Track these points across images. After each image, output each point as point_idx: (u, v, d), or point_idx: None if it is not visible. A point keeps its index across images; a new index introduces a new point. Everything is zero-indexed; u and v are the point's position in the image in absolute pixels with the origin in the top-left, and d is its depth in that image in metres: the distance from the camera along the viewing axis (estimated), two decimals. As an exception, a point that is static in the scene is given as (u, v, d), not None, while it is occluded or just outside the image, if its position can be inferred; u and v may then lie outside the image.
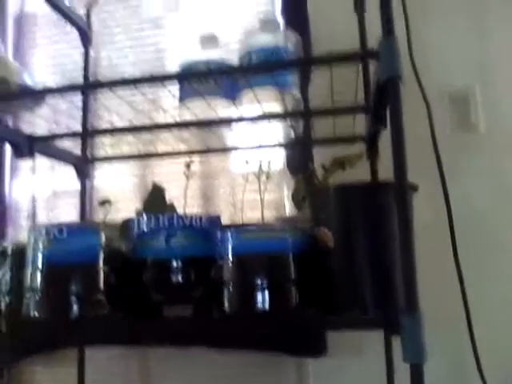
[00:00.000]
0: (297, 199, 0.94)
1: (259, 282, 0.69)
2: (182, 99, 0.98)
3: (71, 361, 1.23)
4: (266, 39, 0.96)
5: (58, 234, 0.73)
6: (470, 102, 1.21)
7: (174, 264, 0.76)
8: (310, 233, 0.75)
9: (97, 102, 1.25)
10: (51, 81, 1.47)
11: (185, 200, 0.86)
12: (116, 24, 1.46)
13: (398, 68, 0.66)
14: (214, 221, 0.81)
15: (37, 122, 1.10)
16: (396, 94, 0.65)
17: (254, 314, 0.70)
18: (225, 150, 1.21)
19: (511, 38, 1.21)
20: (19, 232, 1.39)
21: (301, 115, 1.04)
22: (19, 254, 0.81)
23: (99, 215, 1.30)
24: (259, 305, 0.69)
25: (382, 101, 0.75)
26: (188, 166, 0.87)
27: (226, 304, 0.71)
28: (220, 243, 0.73)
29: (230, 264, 0.72)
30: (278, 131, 1.10)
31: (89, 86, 1.11)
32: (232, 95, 0.98)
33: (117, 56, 1.44)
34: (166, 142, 1.16)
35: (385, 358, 1.06)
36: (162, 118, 1.04)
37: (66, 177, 1.39)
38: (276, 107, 0.95)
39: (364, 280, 0.71)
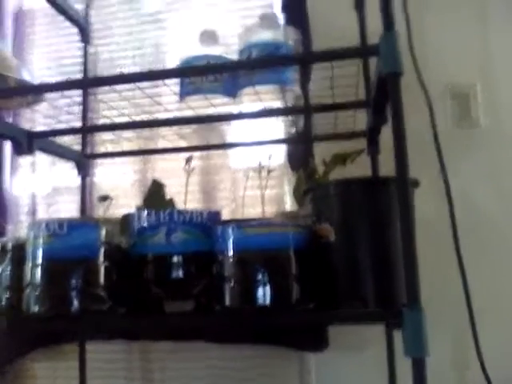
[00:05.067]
0: (298, 195, 0.94)
1: (260, 277, 0.69)
2: (181, 96, 0.98)
3: (72, 356, 1.23)
4: (265, 35, 0.96)
5: (58, 229, 0.73)
6: (471, 98, 1.20)
7: (175, 259, 0.75)
8: (310, 228, 0.75)
9: (96, 98, 1.24)
10: (50, 77, 1.46)
11: (185, 196, 0.86)
12: (115, 19, 1.45)
13: (399, 63, 0.66)
14: (215, 216, 0.80)
15: (36, 118, 1.10)
16: (396, 90, 0.65)
17: (255, 309, 0.70)
18: (225, 146, 1.21)
19: (512, 34, 1.21)
20: (19, 228, 1.39)
21: (301, 111, 1.04)
22: (19, 249, 0.80)
23: (99, 211, 1.30)
24: (260, 300, 0.69)
25: (383, 96, 0.75)
26: (188, 161, 0.87)
27: (227, 299, 0.71)
28: (221, 239, 0.73)
29: (231, 259, 0.71)
30: (278, 127, 1.10)
31: (88, 83, 1.11)
32: (232, 92, 0.98)
33: (116, 51, 1.44)
34: (166, 138, 1.16)
35: (386, 352, 1.06)
36: (162, 114, 1.04)
37: (66, 173, 1.39)
38: (276, 103, 0.95)
39: (365, 274, 0.71)
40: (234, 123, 1.06)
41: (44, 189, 1.42)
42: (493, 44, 1.22)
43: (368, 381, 1.14)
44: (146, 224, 0.77)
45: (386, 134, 0.72)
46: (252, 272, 0.70)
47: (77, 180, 1.29)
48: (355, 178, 0.75)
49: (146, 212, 0.78)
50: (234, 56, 0.99)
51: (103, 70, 1.42)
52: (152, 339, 1.25)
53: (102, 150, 1.31)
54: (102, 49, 1.44)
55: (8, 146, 1.41)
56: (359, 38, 1.11)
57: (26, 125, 1.11)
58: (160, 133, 1.13)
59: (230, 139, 1.17)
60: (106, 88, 0.89)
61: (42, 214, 1.41)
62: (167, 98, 0.97)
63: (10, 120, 1.31)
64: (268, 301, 0.69)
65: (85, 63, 1.32)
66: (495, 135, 1.19)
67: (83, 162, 1.26)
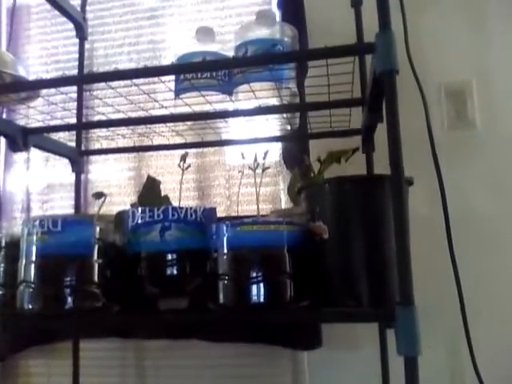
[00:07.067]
0: (292, 192, 0.94)
1: (254, 274, 0.69)
2: (177, 93, 0.98)
3: (66, 353, 1.23)
4: (262, 32, 0.96)
5: (52, 226, 0.72)
6: (467, 98, 1.21)
7: (169, 257, 0.75)
8: (305, 226, 0.75)
9: (91, 95, 1.24)
10: (46, 72, 1.46)
11: (180, 193, 0.85)
12: (111, 15, 1.45)
13: (394, 61, 0.66)
14: (210, 213, 0.80)
15: (31, 114, 1.10)
16: (392, 88, 0.65)
17: (249, 306, 0.69)
18: (220, 143, 1.21)
19: (508, 33, 1.21)
20: (13, 225, 1.38)
21: (297, 109, 1.03)
22: (13, 246, 0.80)
23: (94, 208, 1.30)
24: (254, 298, 0.69)
25: (378, 94, 0.75)
26: (183, 158, 0.87)
27: (221, 297, 0.71)
28: (215, 236, 0.73)
29: (225, 257, 0.71)
30: (274, 125, 1.10)
31: (83, 79, 1.10)
32: (228, 89, 0.97)
33: (112, 48, 1.43)
34: (162, 134, 1.16)
35: (380, 351, 1.06)
36: (157, 111, 1.04)
37: (61, 169, 1.39)
38: (272, 101, 0.95)
39: (359, 272, 0.71)
40: (230, 120, 1.05)
41: (38, 185, 1.42)
42: (488, 43, 1.22)
43: (361, 379, 1.15)
44: (140, 221, 0.77)
45: (381, 132, 0.72)
46: (246, 270, 0.70)
47: (71, 177, 1.29)
48: (350, 176, 0.75)
49: (140, 209, 0.77)
50: (230, 53, 0.99)
51: (99, 66, 1.42)
52: (146, 337, 1.25)
53: (96, 146, 1.30)
54: (97, 45, 1.44)
55: (2, 142, 1.41)
56: (356, 35, 1.11)
57: (20, 121, 1.10)
58: (155, 129, 1.13)
59: (225, 136, 1.17)
60: (102, 84, 0.89)
61: (37, 211, 1.40)
62: (163, 95, 0.97)
63: (5, 116, 1.30)
64: (262, 298, 0.69)
65: (80, 59, 1.31)
66: (490, 134, 1.19)
67: (78, 158, 1.26)
